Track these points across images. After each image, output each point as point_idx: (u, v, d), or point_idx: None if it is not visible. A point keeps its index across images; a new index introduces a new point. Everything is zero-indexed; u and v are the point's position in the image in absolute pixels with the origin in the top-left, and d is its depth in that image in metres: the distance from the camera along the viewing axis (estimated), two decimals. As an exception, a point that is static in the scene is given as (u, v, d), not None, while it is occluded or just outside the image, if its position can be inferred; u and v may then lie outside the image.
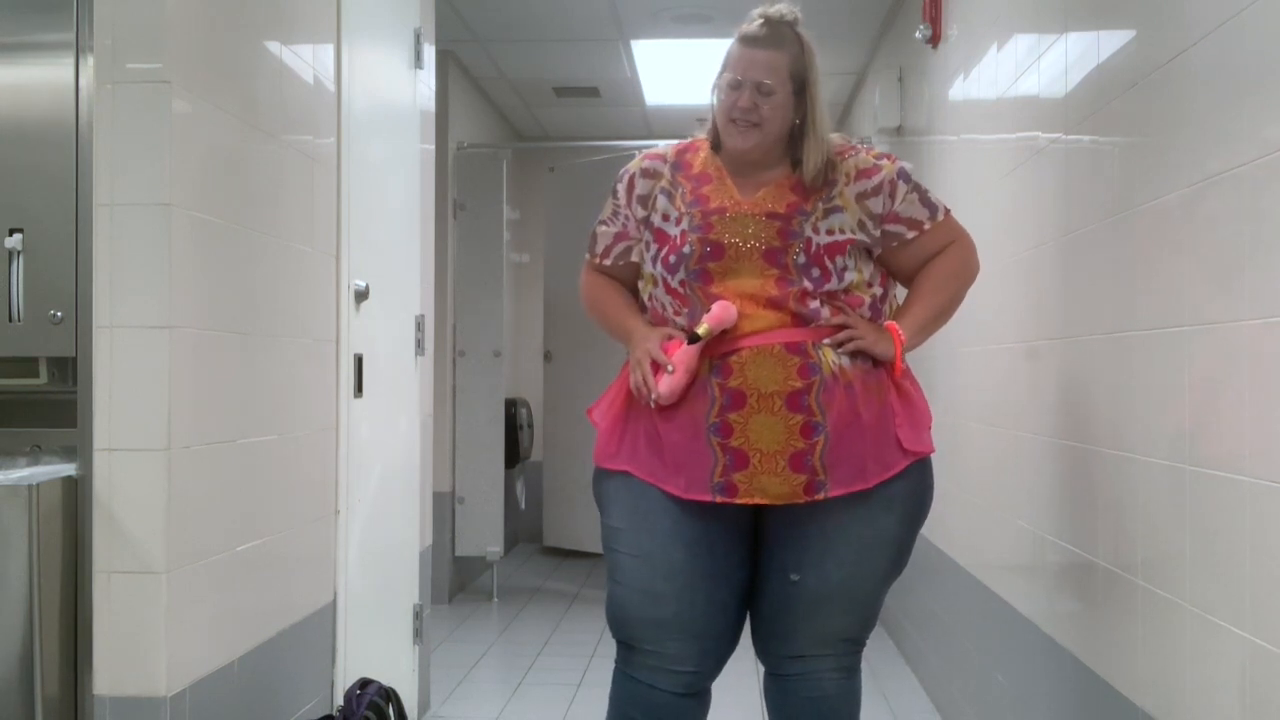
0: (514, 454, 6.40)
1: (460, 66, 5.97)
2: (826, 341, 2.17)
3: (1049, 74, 2.67)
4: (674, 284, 2.23)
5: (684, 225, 2.23)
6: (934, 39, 4.04)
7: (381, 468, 3.36)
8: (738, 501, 2.15)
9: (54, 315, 2.19)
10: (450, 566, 5.81)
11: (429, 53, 3.87)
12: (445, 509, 5.70)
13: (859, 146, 2.30)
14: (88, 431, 2.16)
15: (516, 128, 7.37)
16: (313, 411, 2.87)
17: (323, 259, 2.92)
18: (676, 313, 2.25)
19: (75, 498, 2.17)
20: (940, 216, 2.29)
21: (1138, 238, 2.10)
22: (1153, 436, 2.02)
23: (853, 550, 2.20)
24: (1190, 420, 1.87)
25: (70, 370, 2.20)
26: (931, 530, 4.20)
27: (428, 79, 3.89)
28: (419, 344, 3.73)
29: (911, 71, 4.65)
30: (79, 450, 2.18)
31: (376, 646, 3.32)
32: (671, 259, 2.22)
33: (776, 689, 2.32)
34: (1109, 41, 2.27)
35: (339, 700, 2.96)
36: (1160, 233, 1.99)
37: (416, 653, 3.70)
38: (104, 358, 2.16)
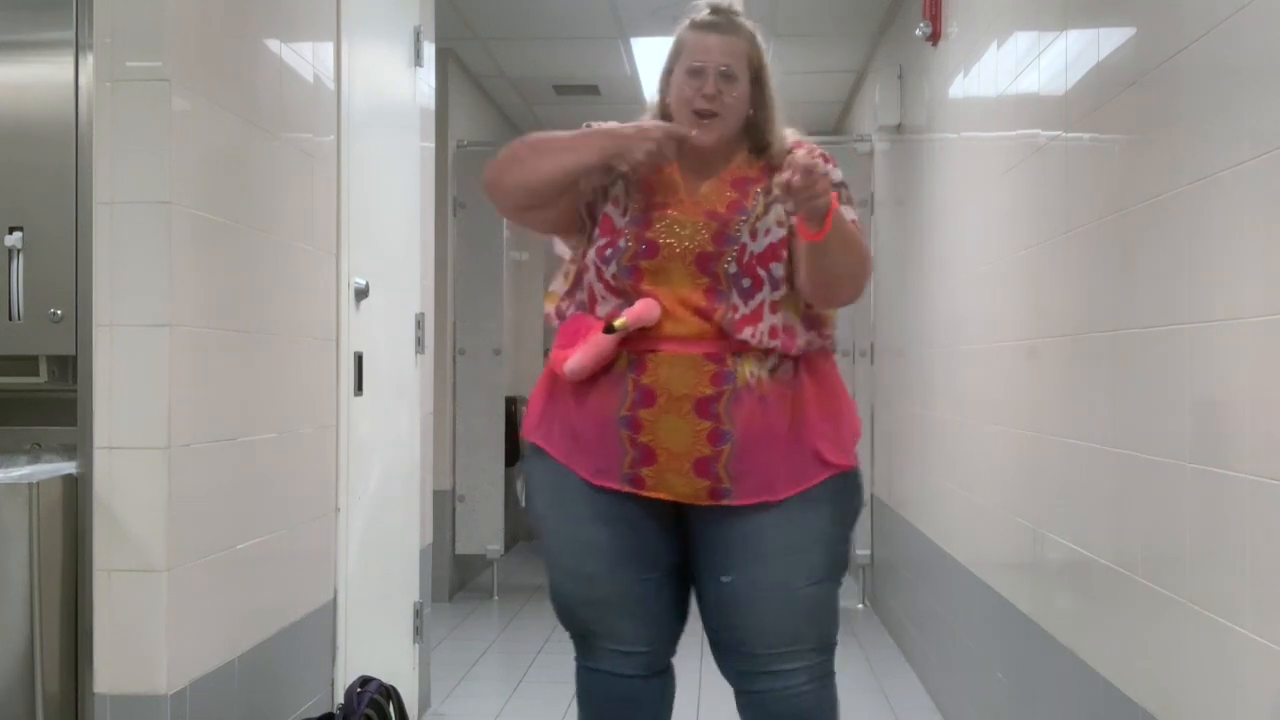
0: (514, 452, 6.39)
1: (460, 64, 5.97)
2: (775, 190, 2.02)
3: (1049, 71, 2.67)
4: (607, 275, 2.20)
5: (627, 218, 2.20)
6: (934, 37, 4.04)
7: (381, 466, 3.36)
8: (645, 494, 2.14)
9: (54, 313, 2.19)
10: (451, 564, 5.82)
11: (429, 51, 3.87)
12: (445, 507, 5.70)
13: (811, 145, 2.24)
14: (88, 430, 2.16)
15: (516, 126, 7.36)
16: (313, 410, 2.87)
17: (322, 257, 2.92)
18: (602, 298, 2.21)
19: (75, 496, 2.17)
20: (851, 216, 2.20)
21: (1138, 235, 2.10)
22: (1152, 434, 2.02)
23: (778, 550, 2.15)
24: (1190, 418, 1.87)
25: (70, 368, 2.20)
26: (932, 528, 4.21)
27: (427, 77, 3.89)
28: (419, 342, 3.73)
29: (912, 69, 4.65)
30: (79, 448, 2.18)
31: (377, 644, 3.32)
32: (608, 252, 2.20)
33: (748, 707, 2.25)
34: (1109, 39, 2.27)
35: (339, 698, 2.96)
36: (1160, 230, 1.99)
37: (417, 650, 3.70)
38: (104, 356, 2.16)
